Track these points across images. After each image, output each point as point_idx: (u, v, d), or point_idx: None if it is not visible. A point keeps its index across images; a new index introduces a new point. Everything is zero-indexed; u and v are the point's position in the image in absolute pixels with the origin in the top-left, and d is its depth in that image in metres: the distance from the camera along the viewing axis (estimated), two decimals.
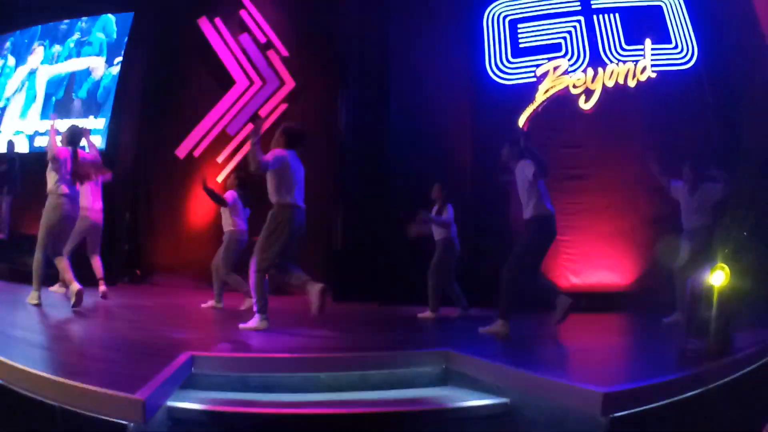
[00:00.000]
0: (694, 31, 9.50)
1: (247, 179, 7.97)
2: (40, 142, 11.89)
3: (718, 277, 4.36)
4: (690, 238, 7.21)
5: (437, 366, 4.65)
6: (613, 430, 3.38)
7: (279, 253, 5.78)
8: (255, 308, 5.91)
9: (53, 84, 12.44)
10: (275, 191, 5.85)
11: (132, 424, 3.16)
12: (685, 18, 9.58)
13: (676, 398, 3.72)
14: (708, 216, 7.10)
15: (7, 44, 13.07)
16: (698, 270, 4.60)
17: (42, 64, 12.61)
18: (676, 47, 9.54)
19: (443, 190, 7.95)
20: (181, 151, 11.15)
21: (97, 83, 12.07)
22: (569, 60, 9.79)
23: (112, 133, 11.51)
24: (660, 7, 9.72)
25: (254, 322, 5.85)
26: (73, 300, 6.49)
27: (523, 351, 5.49)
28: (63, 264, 6.71)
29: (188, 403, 3.78)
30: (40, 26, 12.79)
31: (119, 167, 10.37)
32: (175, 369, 3.95)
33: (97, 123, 11.63)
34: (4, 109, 12.68)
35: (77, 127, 7.23)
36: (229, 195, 8.04)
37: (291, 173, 5.85)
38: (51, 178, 6.62)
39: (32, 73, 12.63)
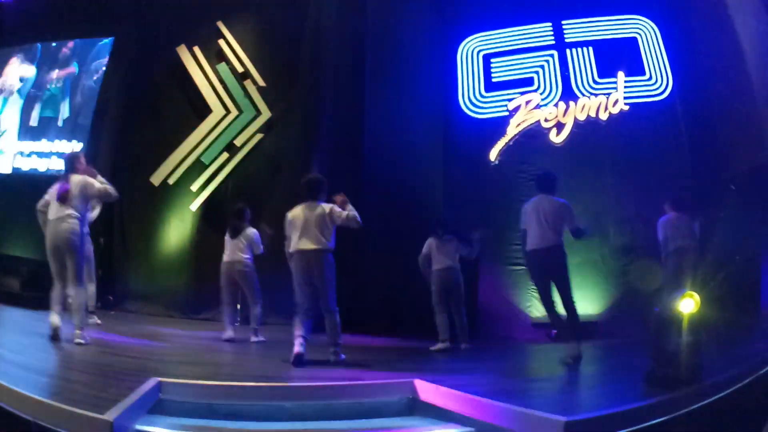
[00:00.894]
0: (669, 61, 9.64)
1: (242, 210, 8.18)
2: (21, 163, 11.88)
3: (687, 305, 4.41)
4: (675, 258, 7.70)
5: (403, 396, 4.67)
6: None
7: (299, 295, 6.16)
8: None
9: (51, 108, 12.33)
10: None
11: None
12: (660, 49, 9.73)
13: (639, 426, 3.79)
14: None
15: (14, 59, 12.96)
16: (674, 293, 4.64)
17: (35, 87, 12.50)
18: (650, 79, 9.68)
19: (448, 224, 7.94)
20: (156, 179, 11.12)
21: None
22: (541, 94, 9.95)
23: (89, 158, 11.41)
24: (635, 38, 9.88)
25: None
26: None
27: (488, 380, 5.52)
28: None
29: (156, 427, 3.81)
30: (39, 44, 12.67)
31: None
32: (143, 393, 3.98)
33: (75, 147, 11.53)
34: None
35: (70, 153, 7.35)
36: None
37: (291, 226, 6.23)
38: None
39: (6, 97, 12.55)
